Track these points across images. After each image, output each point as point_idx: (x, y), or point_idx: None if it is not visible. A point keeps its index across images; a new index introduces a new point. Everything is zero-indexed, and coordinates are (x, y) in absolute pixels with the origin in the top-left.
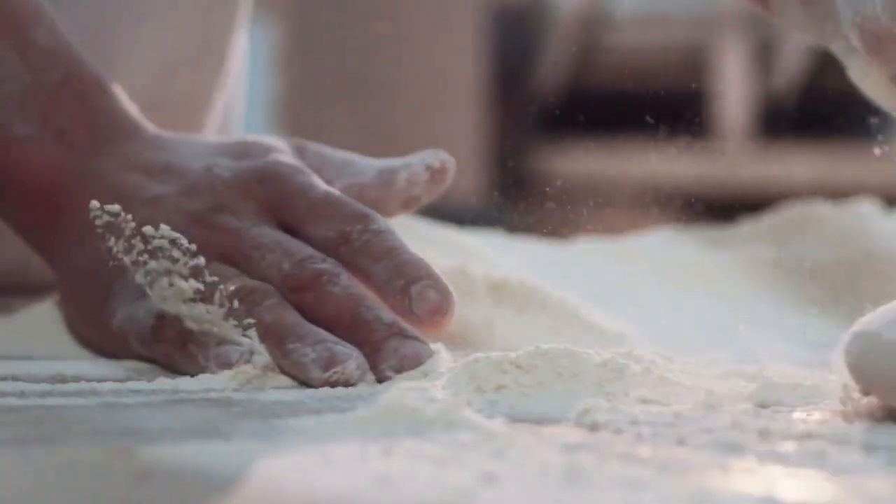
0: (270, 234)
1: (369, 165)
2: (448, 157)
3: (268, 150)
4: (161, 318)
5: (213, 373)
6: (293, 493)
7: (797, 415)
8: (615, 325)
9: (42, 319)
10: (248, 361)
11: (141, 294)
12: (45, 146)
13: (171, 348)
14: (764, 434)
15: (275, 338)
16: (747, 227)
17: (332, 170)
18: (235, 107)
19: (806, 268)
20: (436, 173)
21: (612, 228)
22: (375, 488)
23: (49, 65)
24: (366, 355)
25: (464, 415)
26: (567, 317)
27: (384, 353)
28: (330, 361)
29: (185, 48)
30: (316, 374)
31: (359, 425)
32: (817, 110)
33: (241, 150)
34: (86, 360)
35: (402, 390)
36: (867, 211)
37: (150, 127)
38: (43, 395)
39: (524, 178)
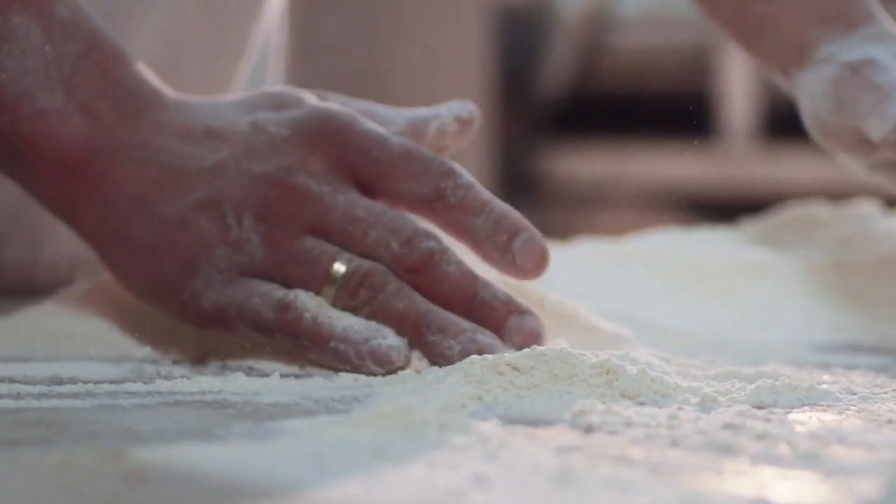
0: (362, 204)
1: (397, 115)
2: (474, 107)
3: (301, 98)
4: (284, 308)
5: (370, 371)
6: (285, 494)
7: (794, 416)
8: (613, 327)
9: (40, 321)
10: (408, 359)
11: (232, 278)
12: (71, 118)
13: (301, 340)
14: (759, 436)
15: (412, 328)
16: (747, 228)
17: None
18: None
19: (806, 268)
20: (465, 123)
21: (618, 229)
22: (366, 490)
23: (69, 37)
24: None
25: (457, 417)
26: (565, 318)
27: (507, 332)
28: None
29: (192, 43)
30: None
31: (352, 427)
32: None
33: (276, 101)
34: (83, 361)
35: (396, 392)
36: (867, 212)
37: (170, 92)
38: (39, 396)
39: (528, 179)
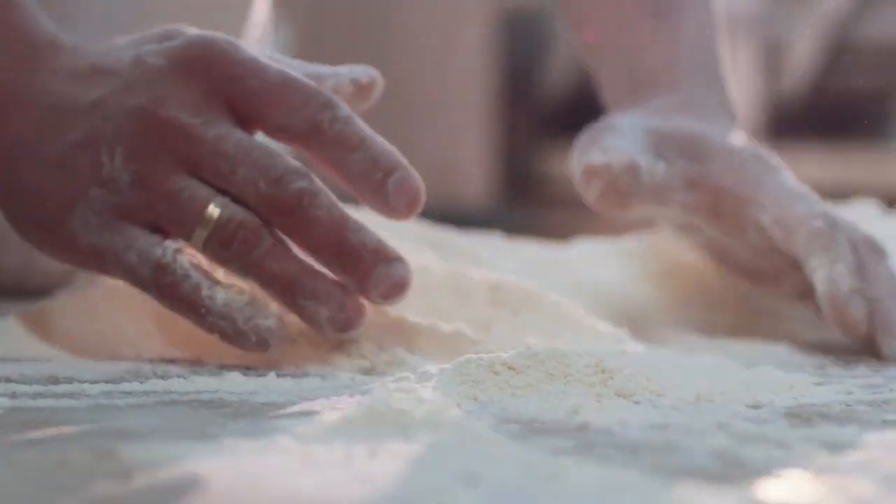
0: (233, 137)
1: (299, 64)
2: (377, 74)
3: (184, 29)
4: (162, 270)
5: (244, 348)
6: (276, 493)
7: (788, 416)
8: (611, 328)
9: (36, 320)
10: (283, 339)
11: (108, 221)
12: None
13: (179, 306)
14: (752, 435)
15: (284, 291)
16: None
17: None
18: None
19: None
20: (361, 88)
21: (619, 230)
22: (356, 488)
23: None
24: (355, 282)
25: (451, 416)
26: (562, 319)
27: (373, 281)
28: (346, 324)
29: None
30: (330, 332)
31: (346, 426)
32: (826, 111)
33: (165, 34)
34: (79, 360)
35: (390, 391)
36: (866, 212)
37: (67, 40)
38: (34, 396)
39: (532, 179)
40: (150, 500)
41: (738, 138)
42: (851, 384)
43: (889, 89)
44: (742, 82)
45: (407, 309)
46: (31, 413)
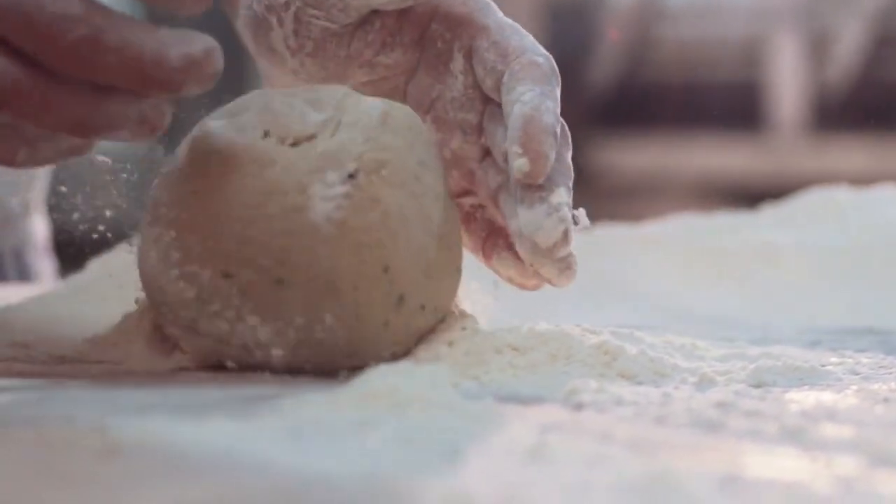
0: None
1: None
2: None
3: None
4: None
5: None
6: (260, 469)
7: (790, 395)
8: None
9: (48, 304)
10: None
11: None
12: None
13: None
14: (749, 413)
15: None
16: (768, 213)
17: None
18: None
19: (824, 252)
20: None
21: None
22: (339, 464)
23: None
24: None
25: (444, 395)
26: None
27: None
28: (152, 132)
29: None
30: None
31: (337, 405)
32: (872, 102)
33: None
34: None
35: (384, 372)
36: (887, 196)
37: None
38: (35, 375)
39: (577, 171)
40: (132, 475)
41: None
42: (862, 364)
43: None
44: (787, 73)
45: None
46: (30, 392)
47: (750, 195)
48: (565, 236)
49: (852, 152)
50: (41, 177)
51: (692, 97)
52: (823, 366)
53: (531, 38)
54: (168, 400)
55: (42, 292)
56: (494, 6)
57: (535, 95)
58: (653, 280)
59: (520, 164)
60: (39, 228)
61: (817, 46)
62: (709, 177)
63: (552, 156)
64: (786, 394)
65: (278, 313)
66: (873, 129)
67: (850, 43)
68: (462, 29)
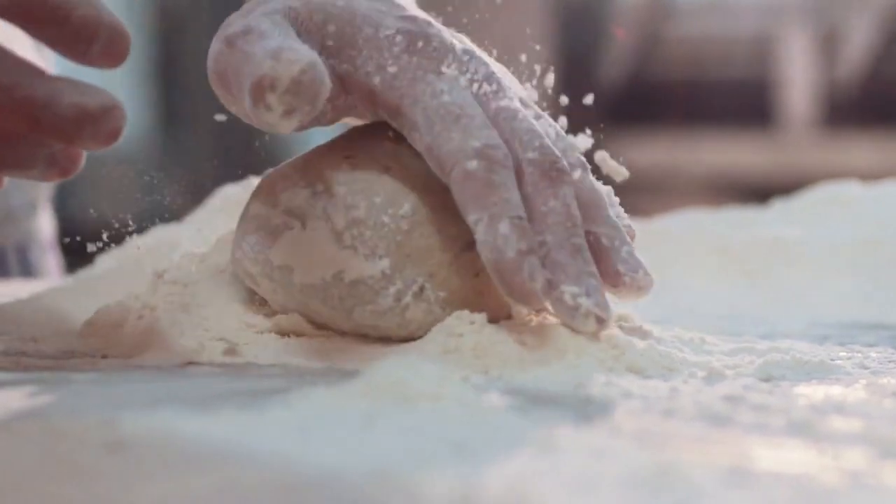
0: None
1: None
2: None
3: None
4: None
5: None
6: (266, 461)
7: (798, 389)
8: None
9: (56, 299)
10: None
11: None
12: None
13: None
14: (756, 407)
15: None
16: (778, 208)
17: None
18: None
19: (833, 247)
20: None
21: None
22: (344, 457)
23: None
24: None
25: (453, 388)
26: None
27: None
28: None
29: None
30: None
31: (345, 398)
32: (882, 98)
33: None
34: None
35: (392, 366)
36: None
37: None
38: (44, 369)
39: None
40: (140, 468)
41: (401, 9)
42: (871, 358)
43: None
44: (798, 70)
45: None
46: (36, 385)
47: (760, 191)
48: (600, 321)
49: (862, 148)
50: None
51: (703, 94)
52: (832, 360)
53: (463, 118)
54: (176, 394)
55: (50, 287)
56: (429, 78)
57: (484, 229)
58: (662, 275)
59: (517, 310)
60: (45, 226)
61: (827, 43)
62: (719, 173)
63: (536, 284)
64: (794, 388)
65: None
66: (883, 124)
67: (860, 39)
68: (397, 119)
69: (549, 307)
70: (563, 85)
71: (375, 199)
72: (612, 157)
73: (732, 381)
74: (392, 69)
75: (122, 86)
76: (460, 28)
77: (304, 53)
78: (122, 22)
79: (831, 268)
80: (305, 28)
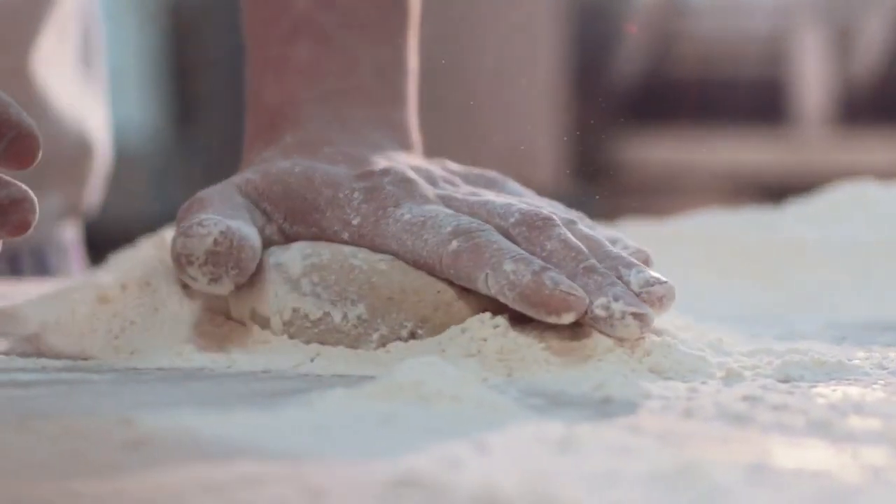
0: None
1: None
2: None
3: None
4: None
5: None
6: (284, 461)
7: (817, 389)
8: None
9: (73, 297)
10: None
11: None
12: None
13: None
14: (776, 407)
15: None
16: (794, 208)
17: None
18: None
19: (851, 247)
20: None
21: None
22: (363, 456)
23: None
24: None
25: (471, 389)
26: None
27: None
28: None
29: None
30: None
31: (363, 399)
32: None
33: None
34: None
35: (411, 366)
36: None
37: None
38: (61, 370)
39: (602, 166)
40: (157, 466)
41: (366, 169)
42: (889, 358)
43: None
44: (812, 68)
45: None
46: (54, 385)
47: (775, 189)
48: (639, 318)
49: (878, 146)
50: None
51: (717, 93)
52: (850, 360)
53: (428, 221)
54: (193, 394)
55: (61, 286)
56: (389, 212)
57: (492, 278)
58: (678, 276)
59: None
60: (68, 230)
61: (841, 41)
62: (734, 172)
63: (564, 286)
64: (813, 388)
65: None
66: None
67: (874, 37)
68: None
69: (590, 324)
70: (577, 83)
71: None
72: (628, 155)
73: (751, 382)
74: (356, 221)
75: (135, 84)
76: (474, 25)
77: (217, 224)
78: (32, 122)
79: (849, 268)
80: (266, 198)
